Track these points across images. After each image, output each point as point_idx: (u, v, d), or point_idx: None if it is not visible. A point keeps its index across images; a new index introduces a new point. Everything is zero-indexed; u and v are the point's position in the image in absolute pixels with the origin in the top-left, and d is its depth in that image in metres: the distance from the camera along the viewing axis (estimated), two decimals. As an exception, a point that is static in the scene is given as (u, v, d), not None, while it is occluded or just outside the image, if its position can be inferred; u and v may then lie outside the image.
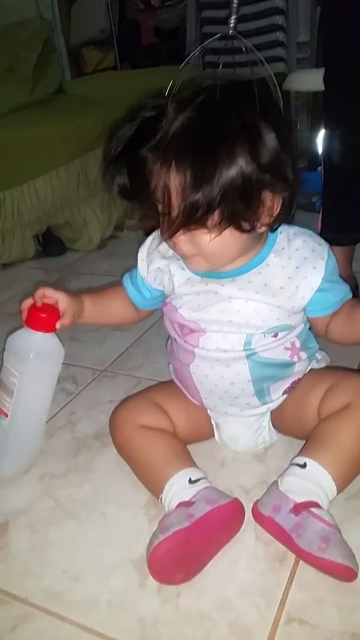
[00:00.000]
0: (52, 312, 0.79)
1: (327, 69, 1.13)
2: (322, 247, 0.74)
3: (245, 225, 0.65)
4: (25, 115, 1.71)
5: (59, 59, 2.12)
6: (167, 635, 0.61)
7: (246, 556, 0.70)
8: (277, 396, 0.81)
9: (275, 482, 0.73)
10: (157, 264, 0.79)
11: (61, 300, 0.80)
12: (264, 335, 0.75)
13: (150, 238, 0.82)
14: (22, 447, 0.85)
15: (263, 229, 0.69)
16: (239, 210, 0.63)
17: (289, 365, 0.80)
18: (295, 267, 0.73)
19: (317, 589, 0.65)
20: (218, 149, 0.61)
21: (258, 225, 0.67)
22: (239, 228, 0.65)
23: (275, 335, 0.76)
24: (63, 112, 1.79)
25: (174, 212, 0.63)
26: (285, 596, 0.65)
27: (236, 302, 0.74)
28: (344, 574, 0.63)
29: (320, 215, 1.17)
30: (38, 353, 0.79)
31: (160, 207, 0.65)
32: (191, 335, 0.77)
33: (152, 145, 0.64)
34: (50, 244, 1.74)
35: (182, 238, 0.67)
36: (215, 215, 0.63)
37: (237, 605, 0.64)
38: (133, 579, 0.68)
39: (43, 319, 0.78)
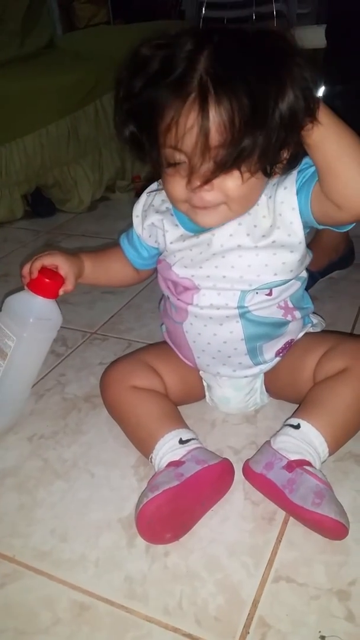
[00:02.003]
0: (56, 278, 0.76)
1: (329, 24, 1.09)
2: (290, 175, 0.68)
3: (271, 168, 0.62)
4: (14, 69, 1.65)
5: (49, 11, 2.03)
6: (155, 594, 0.61)
7: (235, 516, 0.70)
8: (270, 357, 0.80)
9: (268, 442, 0.73)
10: (151, 219, 0.77)
11: (63, 266, 0.77)
12: (257, 293, 0.73)
13: (145, 194, 0.79)
14: (5, 408, 0.85)
15: (277, 175, 0.65)
16: (276, 149, 0.59)
17: (282, 324, 0.78)
18: (280, 202, 0.68)
19: (305, 548, 0.65)
20: (267, 80, 0.54)
21: (278, 169, 0.64)
22: (265, 171, 0.62)
23: (270, 294, 0.74)
24: (53, 67, 1.73)
25: (213, 155, 0.57)
26: (274, 555, 0.65)
27: (230, 257, 0.71)
28: (337, 529, 0.63)
29: None
30: (38, 318, 0.77)
31: (185, 152, 0.59)
32: (185, 293, 0.76)
33: (175, 83, 0.56)
34: (40, 204, 1.70)
35: (208, 186, 0.62)
36: (255, 156, 0.58)
37: (226, 564, 0.64)
38: (121, 539, 0.68)
39: (47, 284, 0.76)
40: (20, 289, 0.79)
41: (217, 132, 0.56)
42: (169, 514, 0.65)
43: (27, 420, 0.89)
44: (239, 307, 0.74)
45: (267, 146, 0.57)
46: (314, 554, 0.65)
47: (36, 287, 0.76)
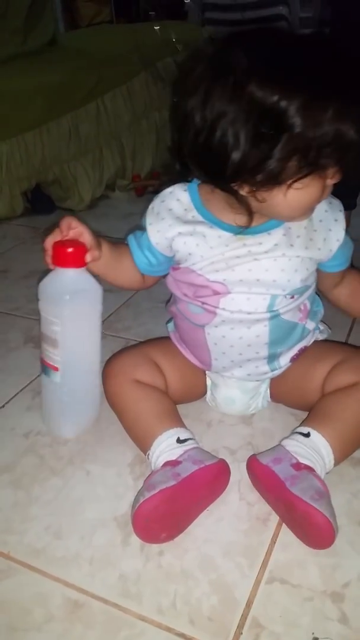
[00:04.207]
0: (79, 245, 0.73)
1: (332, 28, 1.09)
2: (337, 201, 0.75)
3: None
4: (16, 66, 1.64)
5: (52, 9, 2.03)
6: (149, 593, 0.61)
7: (230, 516, 0.70)
8: (285, 362, 0.81)
9: (279, 445, 0.73)
10: (178, 229, 0.74)
11: (86, 232, 0.74)
12: (286, 297, 0.75)
13: (157, 201, 0.77)
14: (81, 400, 0.80)
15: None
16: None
17: (300, 328, 0.80)
18: (318, 220, 0.74)
19: (300, 549, 0.65)
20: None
21: None
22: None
23: (293, 297, 0.76)
24: (55, 65, 1.72)
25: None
26: (268, 556, 0.65)
27: (264, 260, 0.72)
28: (326, 529, 0.63)
29: None
30: (74, 292, 0.73)
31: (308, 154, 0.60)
32: (212, 297, 0.75)
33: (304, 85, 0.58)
34: (39, 201, 1.70)
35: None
36: None
37: (220, 564, 0.64)
38: (116, 537, 0.68)
39: (71, 253, 0.72)
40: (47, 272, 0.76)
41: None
42: (165, 514, 0.65)
43: (23, 416, 0.88)
44: (269, 311, 0.75)
45: None
46: (308, 556, 0.65)
47: (61, 259, 0.73)
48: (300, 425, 0.75)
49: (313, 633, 0.57)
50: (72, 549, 0.67)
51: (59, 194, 1.71)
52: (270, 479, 0.68)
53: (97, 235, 0.76)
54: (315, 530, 0.64)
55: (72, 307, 0.74)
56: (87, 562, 0.65)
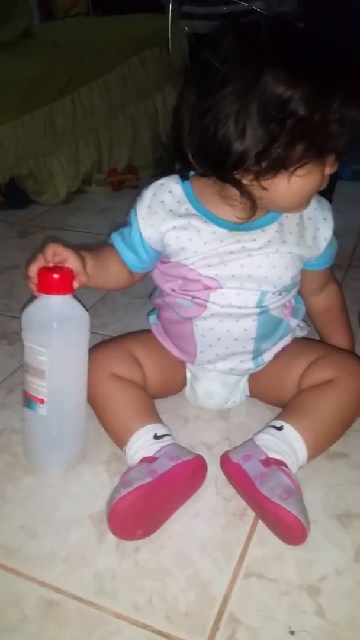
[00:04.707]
0: (64, 271, 0.70)
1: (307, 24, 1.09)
2: (324, 200, 0.77)
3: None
4: (-11, 57, 1.62)
5: (27, 0, 2.00)
6: (125, 590, 0.61)
7: (207, 512, 0.70)
8: (268, 358, 0.82)
9: (250, 439, 0.73)
10: (172, 223, 0.73)
11: (71, 257, 0.70)
12: (274, 294, 0.75)
13: (148, 195, 0.75)
14: (69, 433, 0.76)
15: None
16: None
17: (285, 324, 0.81)
18: (308, 218, 0.75)
19: (276, 544, 0.65)
20: None
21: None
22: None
23: (281, 294, 0.77)
24: (30, 57, 1.69)
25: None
26: (245, 551, 0.65)
27: (257, 257, 0.72)
28: (296, 528, 0.63)
29: None
30: (62, 320, 0.70)
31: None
32: (203, 291, 0.75)
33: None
34: (14, 196, 1.67)
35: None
36: None
37: (196, 560, 0.64)
38: (91, 535, 0.67)
39: (58, 280, 0.69)
40: (30, 300, 0.73)
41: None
42: (141, 511, 0.65)
43: (-3, 414, 0.87)
44: (258, 307, 0.75)
45: None
46: (285, 550, 0.65)
47: (47, 286, 0.69)
48: (275, 419, 0.75)
49: (290, 626, 0.57)
50: (46, 548, 0.66)
51: (34, 188, 1.68)
52: (241, 477, 0.68)
53: (78, 250, 0.74)
54: (286, 529, 0.64)
55: (60, 335, 0.71)
56: (62, 561, 0.64)
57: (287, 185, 0.64)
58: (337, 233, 0.78)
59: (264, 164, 0.61)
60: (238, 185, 0.64)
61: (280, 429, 0.71)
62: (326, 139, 0.61)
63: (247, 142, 0.60)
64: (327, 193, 1.22)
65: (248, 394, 0.87)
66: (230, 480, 0.72)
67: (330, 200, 0.79)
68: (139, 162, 1.88)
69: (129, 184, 1.78)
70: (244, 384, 0.85)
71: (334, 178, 1.17)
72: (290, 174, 0.63)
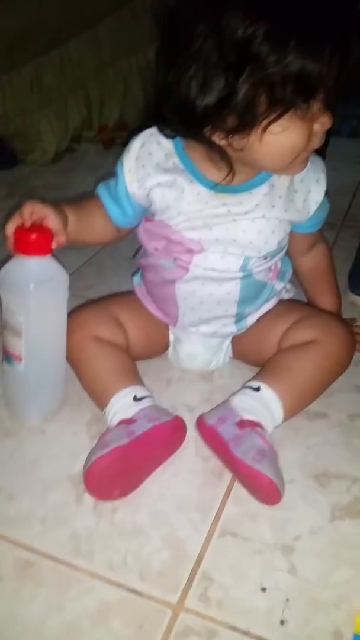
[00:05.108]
0: (43, 231, 0.68)
1: None
2: (319, 159, 0.73)
3: None
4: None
5: None
6: (100, 550, 0.61)
7: (185, 471, 0.70)
8: (251, 322, 0.81)
9: (226, 400, 0.73)
10: (157, 179, 0.70)
11: (50, 216, 0.68)
12: (259, 258, 0.73)
13: (136, 146, 0.71)
14: (46, 387, 0.77)
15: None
16: None
17: (269, 288, 0.79)
18: (299, 179, 0.71)
19: (252, 504, 0.66)
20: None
21: None
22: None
23: (266, 258, 0.75)
24: (14, 10, 1.62)
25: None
26: (221, 510, 0.65)
27: (243, 222, 0.70)
28: (270, 489, 0.63)
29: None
30: (38, 281, 0.69)
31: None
32: (186, 254, 0.73)
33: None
34: (1, 155, 1.64)
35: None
36: None
37: (173, 520, 0.64)
38: (69, 496, 0.67)
39: (35, 241, 0.67)
40: (7, 259, 0.71)
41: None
42: (118, 472, 0.65)
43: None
44: (242, 271, 0.73)
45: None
46: (261, 509, 0.65)
47: (25, 247, 0.67)
48: (252, 379, 0.74)
49: (261, 584, 0.58)
50: (24, 509, 0.66)
51: (22, 147, 1.64)
52: (216, 440, 0.68)
53: (61, 205, 0.71)
54: (260, 490, 0.64)
55: (37, 297, 0.69)
56: (39, 522, 0.65)
57: (259, 145, 0.60)
58: (331, 192, 0.75)
59: (229, 120, 0.58)
60: (209, 144, 0.62)
61: (257, 389, 0.71)
62: (284, 89, 0.56)
63: (208, 95, 0.56)
64: (319, 149, 1.19)
65: (231, 355, 0.86)
66: (205, 442, 0.71)
67: (323, 157, 0.76)
68: (130, 118, 1.83)
69: (120, 141, 1.73)
70: (227, 345, 0.85)
71: (327, 134, 1.13)
72: (262, 131, 0.59)
